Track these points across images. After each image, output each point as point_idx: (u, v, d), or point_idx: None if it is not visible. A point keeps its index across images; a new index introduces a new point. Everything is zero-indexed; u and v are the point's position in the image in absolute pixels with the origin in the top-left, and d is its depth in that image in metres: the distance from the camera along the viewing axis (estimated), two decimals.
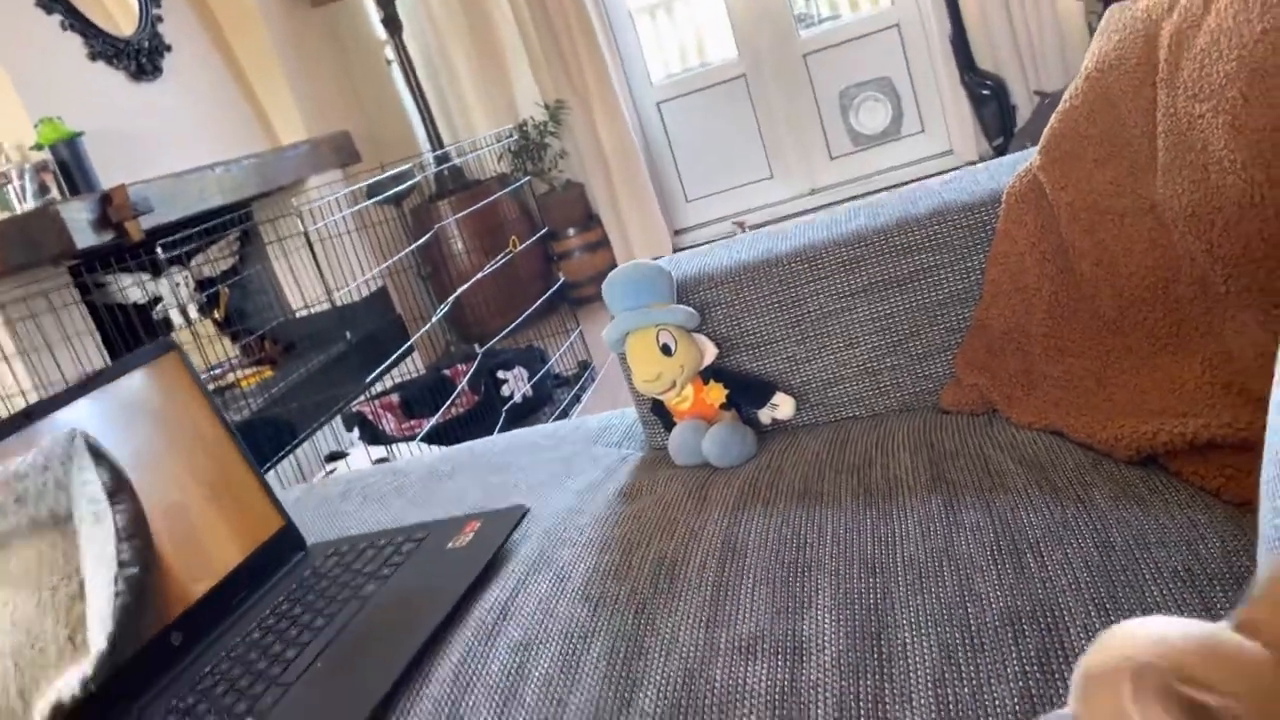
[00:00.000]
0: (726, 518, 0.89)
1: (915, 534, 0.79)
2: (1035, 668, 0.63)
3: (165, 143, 3.13)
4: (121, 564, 0.85)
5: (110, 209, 2.45)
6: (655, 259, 1.13)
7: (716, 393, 1.07)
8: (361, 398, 3.02)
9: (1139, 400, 0.87)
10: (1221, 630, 0.36)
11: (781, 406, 1.08)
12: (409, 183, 3.16)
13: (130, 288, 2.88)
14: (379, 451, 2.63)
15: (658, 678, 0.71)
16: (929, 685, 0.64)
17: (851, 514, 0.84)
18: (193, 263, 3.18)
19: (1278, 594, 0.37)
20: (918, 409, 1.06)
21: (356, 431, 2.85)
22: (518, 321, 3.23)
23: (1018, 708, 0.60)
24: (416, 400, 3.04)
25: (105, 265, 2.64)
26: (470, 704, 0.74)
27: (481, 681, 0.76)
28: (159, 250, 2.37)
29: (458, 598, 0.87)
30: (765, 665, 0.69)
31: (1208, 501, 0.75)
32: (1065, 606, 0.67)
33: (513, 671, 0.76)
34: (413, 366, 3.50)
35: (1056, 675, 0.62)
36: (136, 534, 0.88)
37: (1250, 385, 0.80)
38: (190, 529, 0.99)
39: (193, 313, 3.07)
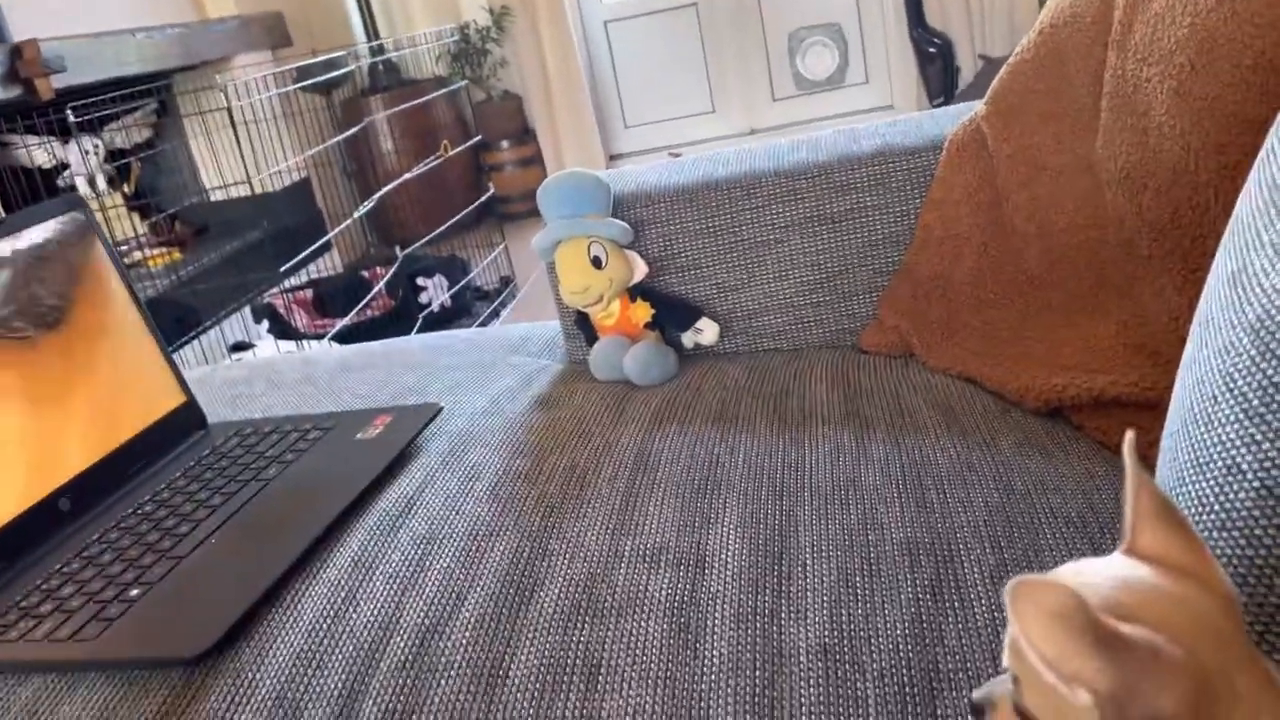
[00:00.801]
0: (642, 433, 0.89)
1: (825, 463, 0.80)
2: (928, 595, 0.65)
3: (83, 0, 2.96)
4: None
5: (20, 63, 2.31)
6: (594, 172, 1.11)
7: (642, 311, 1.06)
8: (274, 290, 2.94)
9: (1053, 355, 0.90)
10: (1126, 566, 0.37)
11: (706, 332, 1.08)
12: (341, 71, 3.05)
13: (36, 149, 2.74)
14: (288, 347, 2.57)
15: (560, 579, 0.71)
16: (824, 605, 0.65)
17: (765, 439, 0.85)
18: (105, 130, 3.03)
19: (1150, 521, 0.38)
20: (838, 347, 1.07)
21: (266, 324, 2.78)
22: (443, 229, 3.17)
23: (908, 631, 0.62)
24: (331, 298, 2.97)
25: (10, 123, 2.50)
26: (368, 590, 0.73)
27: (381, 570, 0.75)
28: (69, 113, 2.25)
29: (363, 487, 0.86)
30: (667, 574, 0.70)
31: (1106, 456, 0.78)
32: (962, 541, 0.69)
33: (414, 563, 0.76)
34: (330, 264, 3.42)
35: (946, 604, 0.64)
36: None
37: (1160, 348, 0.82)
38: (86, 392, 0.95)
39: (101, 184, 2.93)
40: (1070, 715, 0.35)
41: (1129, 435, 0.39)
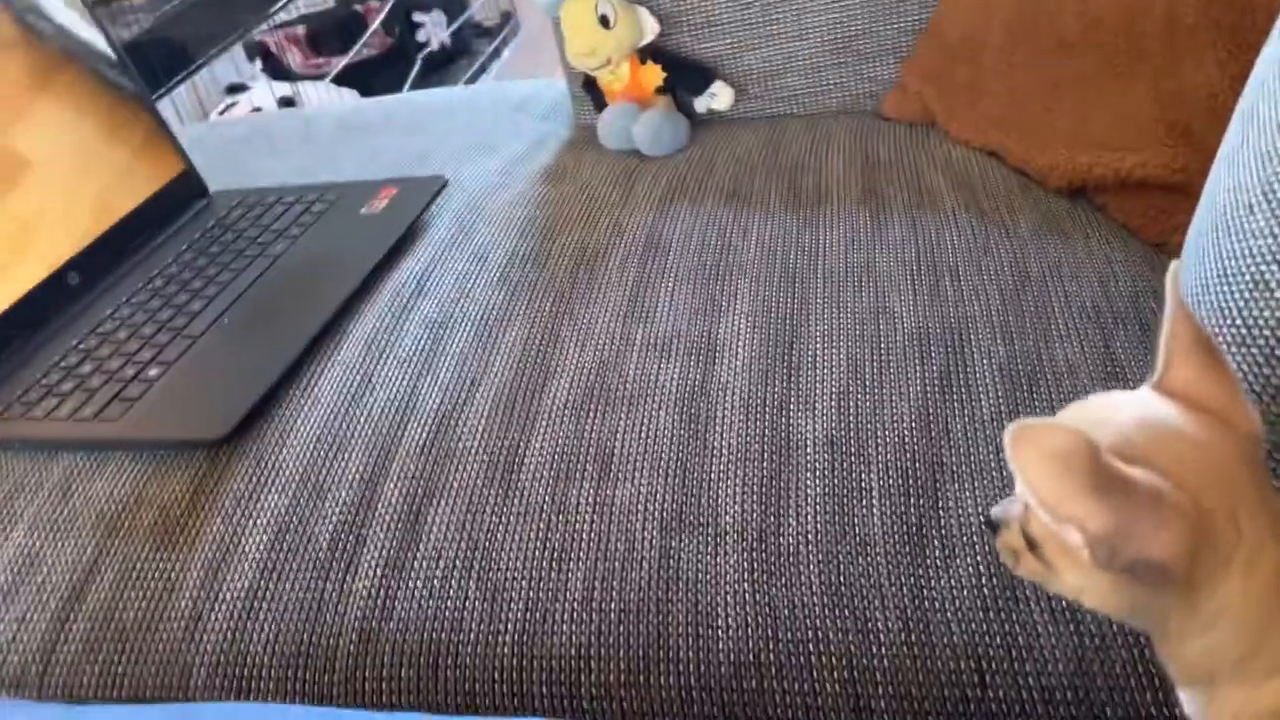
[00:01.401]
0: (652, 212, 0.87)
1: (840, 247, 0.79)
2: (935, 388, 0.65)
3: None
4: None
5: None
6: None
7: (653, 74, 1.01)
8: (264, 26, 2.81)
9: (1081, 129, 0.86)
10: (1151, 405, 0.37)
11: (720, 96, 1.03)
12: None
13: None
14: (283, 89, 2.48)
15: (571, 367, 0.72)
16: (833, 396, 0.66)
17: (779, 220, 0.83)
18: None
19: (1184, 355, 0.37)
20: (857, 113, 1.02)
21: (259, 64, 2.67)
22: None
23: (914, 424, 0.63)
24: (325, 35, 2.83)
25: None
26: (383, 374, 0.74)
27: (394, 353, 0.76)
28: None
29: (372, 266, 0.85)
30: (678, 363, 0.70)
31: (1126, 240, 0.76)
32: (973, 331, 0.69)
33: (427, 347, 0.76)
34: None
35: (954, 397, 0.64)
36: None
37: (1194, 127, 0.78)
38: (83, 162, 0.92)
39: None
40: (1066, 550, 0.36)
41: (1173, 266, 0.38)
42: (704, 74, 1.02)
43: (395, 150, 1.09)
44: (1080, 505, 0.32)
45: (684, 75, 1.02)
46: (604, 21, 0.97)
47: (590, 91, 1.05)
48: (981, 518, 0.57)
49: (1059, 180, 0.81)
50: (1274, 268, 0.47)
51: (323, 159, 1.11)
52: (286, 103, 2.45)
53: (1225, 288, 0.51)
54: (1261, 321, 0.48)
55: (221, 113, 2.44)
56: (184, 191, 1.02)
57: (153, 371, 0.78)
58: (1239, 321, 0.49)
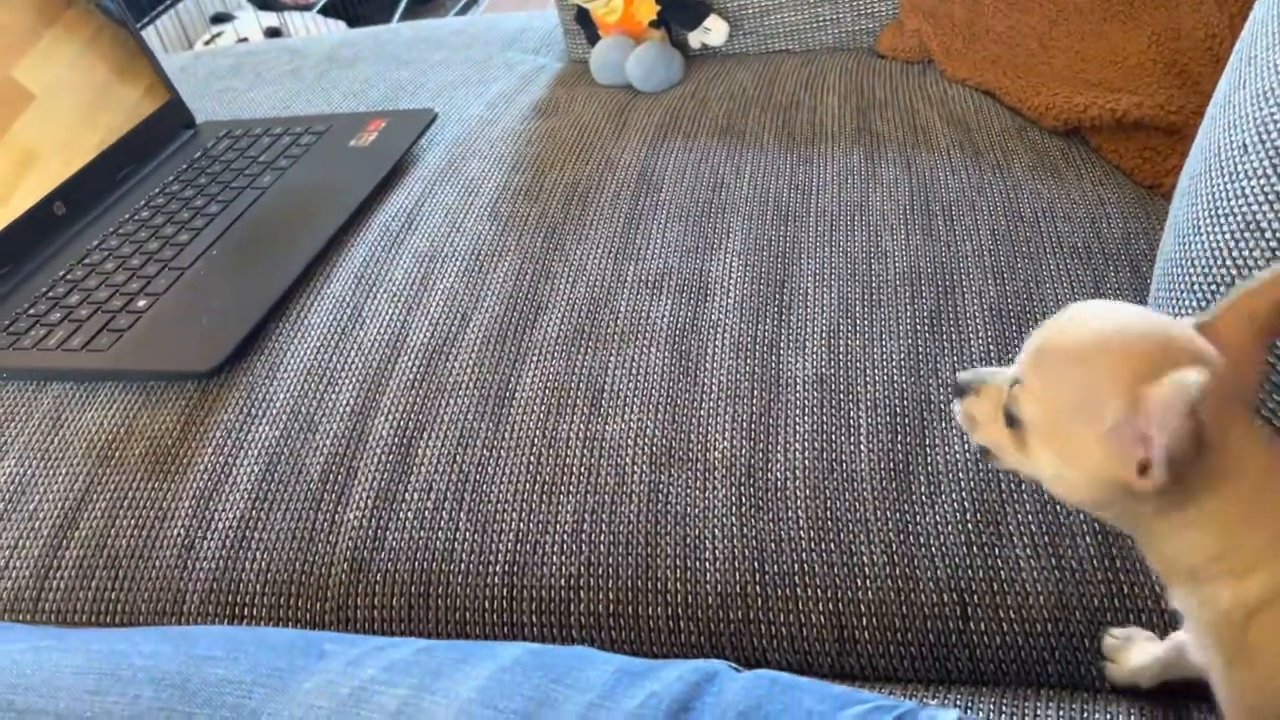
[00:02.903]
0: (645, 148, 0.86)
1: (833, 185, 0.79)
2: (925, 327, 0.66)
3: None
4: None
5: None
6: None
7: (647, 8, 0.99)
8: None
9: (1077, 68, 0.85)
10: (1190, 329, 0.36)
11: (714, 31, 1.01)
12: None
13: None
14: (270, 19, 2.44)
15: (563, 303, 0.71)
16: (823, 335, 0.66)
17: (772, 157, 0.83)
18: None
19: (1243, 307, 0.37)
20: (853, 50, 1.01)
21: None
22: None
23: (903, 363, 0.63)
24: None
25: None
26: (373, 307, 0.74)
27: (385, 287, 0.76)
28: None
29: (361, 199, 0.85)
30: (669, 301, 0.70)
31: (1119, 181, 0.76)
32: (964, 271, 0.69)
33: (417, 281, 0.76)
34: None
35: (943, 337, 0.65)
36: None
37: (1191, 67, 0.78)
38: (67, 91, 0.91)
39: None
40: (1061, 440, 0.36)
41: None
42: (698, 8, 1.01)
43: (384, 83, 1.08)
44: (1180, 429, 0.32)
45: (678, 9, 1.01)
46: None
47: (583, 24, 1.04)
48: (963, 435, 0.58)
49: (1054, 120, 0.81)
50: (1266, 209, 0.47)
51: (310, 91, 1.10)
52: (273, 33, 2.41)
53: (1216, 228, 0.51)
54: (1252, 262, 0.48)
55: (207, 43, 2.39)
56: (170, 122, 1.01)
57: (141, 303, 0.77)
58: (1228, 262, 0.49)
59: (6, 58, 0.87)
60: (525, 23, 1.18)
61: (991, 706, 0.49)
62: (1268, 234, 0.47)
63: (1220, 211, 0.51)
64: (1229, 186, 0.50)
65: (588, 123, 0.92)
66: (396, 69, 1.11)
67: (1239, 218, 0.49)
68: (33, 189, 0.86)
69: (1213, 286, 0.50)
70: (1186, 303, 0.52)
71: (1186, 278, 0.52)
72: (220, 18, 2.57)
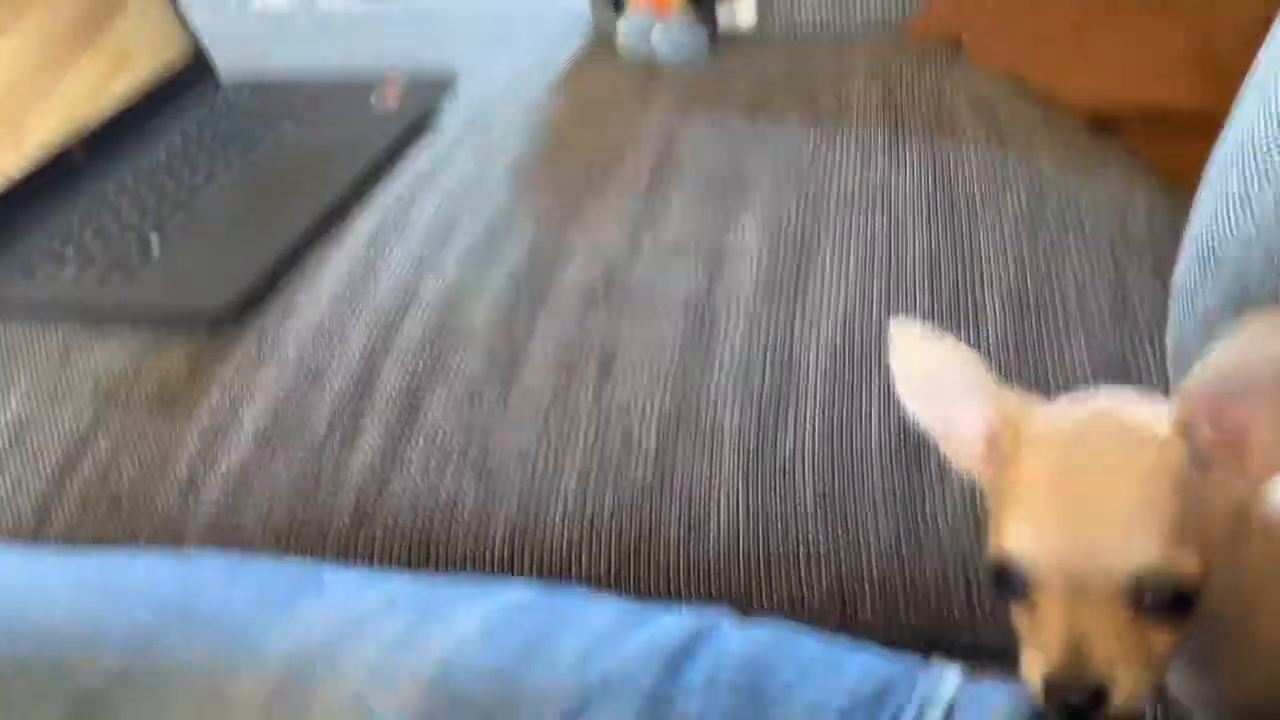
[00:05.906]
0: (669, 119, 0.86)
1: (856, 165, 0.78)
2: (943, 312, 0.65)
3: None
4: None
5: None
6: None
7: None
8: None
9: (1109, 58, 0.84)
10: None
11: (742, 9, 1.00)
12: None
13: None
14: None
15: (579, 268, 0.71)
16: (839, 315, 0.65)
17: (796, 136, 0.82)
18: None
19: None
20: (883, 34, 1.00)
21: None
22: None
23: None
24: None
25: None
26: (387, 264, 0.74)
27: (400, 247, 0.75)
28: None
29: (379, 157, 0.84)
30: (686, 272, 0.70)
31: (1146, 175, 0.75)
32: (985, 257, 0.68)
33: (434, 240, 0.75)
34: None
35: (961, 322, 0.64)
36: None
37: (1227, 63, 0.77)
38: (94, 37, 0.90)
39: None
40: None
41: None
42: None
43: (408, 44, 1.07)
44: None
45: None
46: None
47: None
48: None
49: (1083, 109, 0.80)
50: None
51: (333, 49, 1.09)
52: None
53: (1246, 211, 0.50)
54: None
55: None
56: (194, 74, 1.00)
57: (155, 243, 0.77)
58: (1257, 250, 0.48)
59: None
60: None
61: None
62: None
63: (1250, 197, 0.50)
64: (1260, 165, 0.50)
65: (611, 93, 0.92)
66: (421, 31, 1.10)
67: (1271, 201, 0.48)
68: (55, 132, 0.86)
69: (1240, 269, 0.49)
70: (1211, 294, 0.51)
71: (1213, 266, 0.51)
72: None
